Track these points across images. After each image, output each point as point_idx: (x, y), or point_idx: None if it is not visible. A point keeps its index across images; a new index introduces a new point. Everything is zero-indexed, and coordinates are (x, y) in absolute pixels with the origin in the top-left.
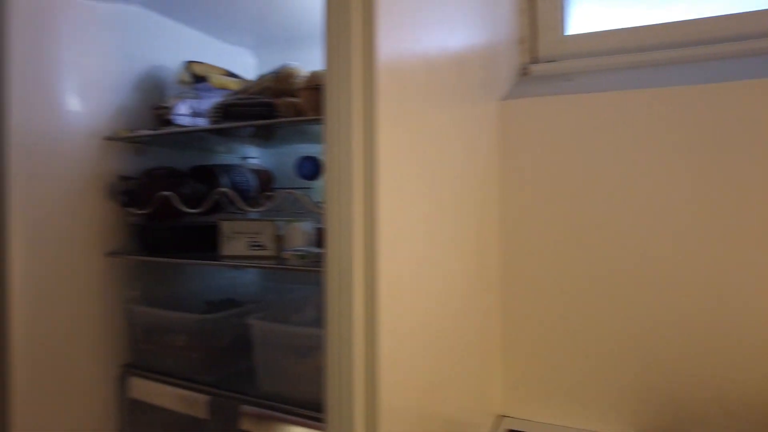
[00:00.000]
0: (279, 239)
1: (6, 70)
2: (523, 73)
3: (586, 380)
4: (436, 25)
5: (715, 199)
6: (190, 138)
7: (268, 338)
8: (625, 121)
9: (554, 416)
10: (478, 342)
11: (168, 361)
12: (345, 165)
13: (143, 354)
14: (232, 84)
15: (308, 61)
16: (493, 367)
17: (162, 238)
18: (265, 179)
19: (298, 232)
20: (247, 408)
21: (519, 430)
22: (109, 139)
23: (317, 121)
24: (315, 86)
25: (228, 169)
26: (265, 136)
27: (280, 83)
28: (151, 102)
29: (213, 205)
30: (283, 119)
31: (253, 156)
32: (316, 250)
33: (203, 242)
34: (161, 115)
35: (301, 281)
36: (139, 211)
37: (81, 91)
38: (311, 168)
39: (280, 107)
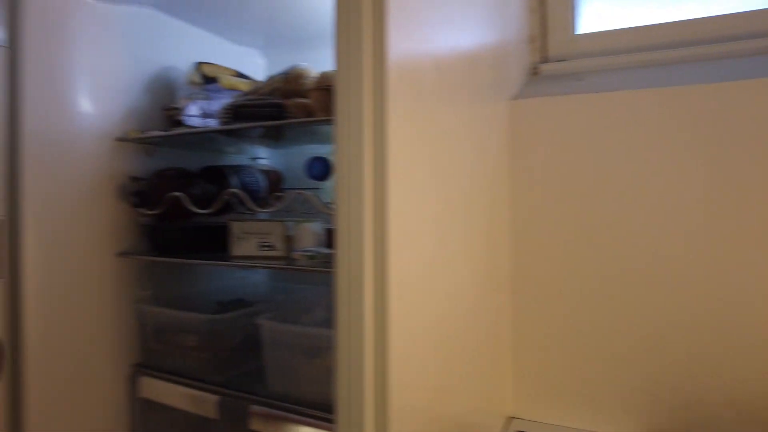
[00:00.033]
0: (289, 240)
1: (20, 73)
2: (534, 72)
3: (597, 382)
4: (446, 25)
5: (728, 199)
6: (201, 139)
7: (277, 338)
8: (636, 120)
9: (564, 418)
10: (489, 343)
11: (178, 360)
12: (355, 165)
13: (154, 354)
14: (242, 85)
15: (318, 61)
16: (504, 368)
17: (172, 239)
18: (275, 180)
19: (308, 233)
20: (256, 408)
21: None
22: (121, 140)
23: (327, 122)
24: (325, 87)
25: (238, 169)
26: (274, 137)
27: (289, 84)
28: (162, 103)
29: (223, 205)
30: (293, 120)
31: (263, 156)
32: (325, 250)
33: (213, 243)
34: (172, 116)
35: (311, 282)
36: (150, 212)
37: (93, 92)
38: (321, 168)
39: (289, 108)
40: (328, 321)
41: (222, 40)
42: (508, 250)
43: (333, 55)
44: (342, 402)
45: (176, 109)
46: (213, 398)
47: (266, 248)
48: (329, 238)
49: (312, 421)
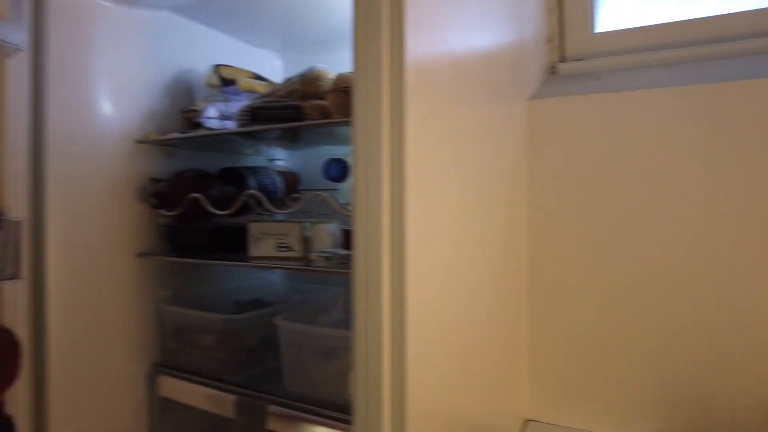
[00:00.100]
0: (306, 241)
1: (44, 77)
2: (552, 72)
3: (615, 385)
4: (464, 25)
5: (751, 200)
6: (219, 140)
7: (294, 339)
8: (655, 120)
9: (581, 421)
10: (506, 345)
11: (196, 360)
12: (373, 166)
13: (173, 353)
14: (260, 87)
15: (335, 63)
16: (520, 371)
17: (191, 240)
18: (292, 181)
19: (325, 234)
20: (273, 408)
21: None
22: (140, 142)
23: (344, 123)
24: (342, 88)
25: (255, 171)
26: (292, 139)
27: (307, 86)
28: (181, 105)
29: (241, 206)
30: (311, 122)
31: (280, 158)
32: (342, 251)
33: (231, 243)
34: (191, 118)
35: (328, 282)
36: (169, 213)
37: (114, 95)
38: (338, 170)
39: (307, 110)
40: (345, 322)
41: (240, 43)
42: (525, 252)
43: (351, 57)
44: (359, 403)
45: (195, 111)
46: (231, 398)
47: (283, 249)
48: (346, 240)
49: (329, 421)
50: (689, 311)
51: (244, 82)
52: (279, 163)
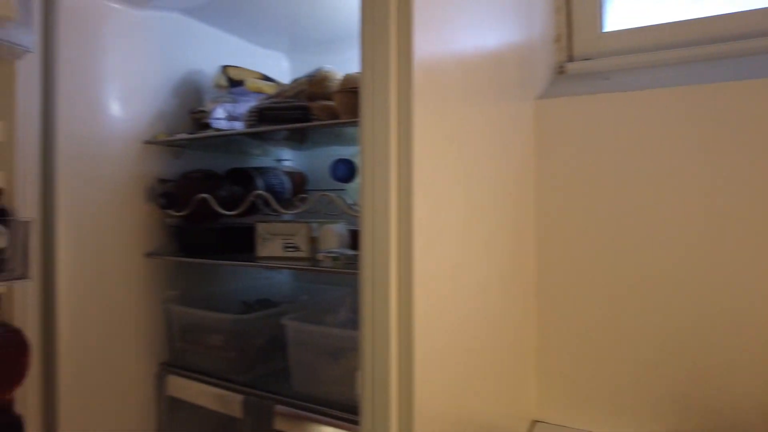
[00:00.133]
0: (313, 241)
1: (54, 78)
2: (559, 71)
3: (623, 386)
4: (471, 25)
5: (763, 201)
6: (227, 141)
7: (301, 339)
8: (664, 119)
9: (589, 423)
10: (513, 346)
11: (204, 360)
12: (380, 167)
13: (180, 353)
14: (267, 87)
15: (342, 63)
16: (528, 372)
17: (199, 240)
18: (299, 181)
19: (332, 234)
20: (281, 408)
21: None
22: (149, 143)
23: (352, 124)
24: (349, 89)
25: (263, 171)
26: (299, 139)
27: (314, 86)
28: (189, 106)
29: (249, 207)
30: (318, 122)
31: (287, 158)
32: (349, 252)
33: (239, 244)
34: (199, 119)
35: (335, 283)
36: (178, 213)
37: (123, 96)
38: (345, 170)
39: (314, 110)
40: (353, 322)
41: (247, 44)
42: (533, 253)
43: (358, 57)
44: (366, 403)
45: (203, 112)
46: (238, 397)
47: (291, 249)
48: (353, 240)
49: (336, 422)
50: (696, 312)
51: (252, 83)
52: (286, 163)
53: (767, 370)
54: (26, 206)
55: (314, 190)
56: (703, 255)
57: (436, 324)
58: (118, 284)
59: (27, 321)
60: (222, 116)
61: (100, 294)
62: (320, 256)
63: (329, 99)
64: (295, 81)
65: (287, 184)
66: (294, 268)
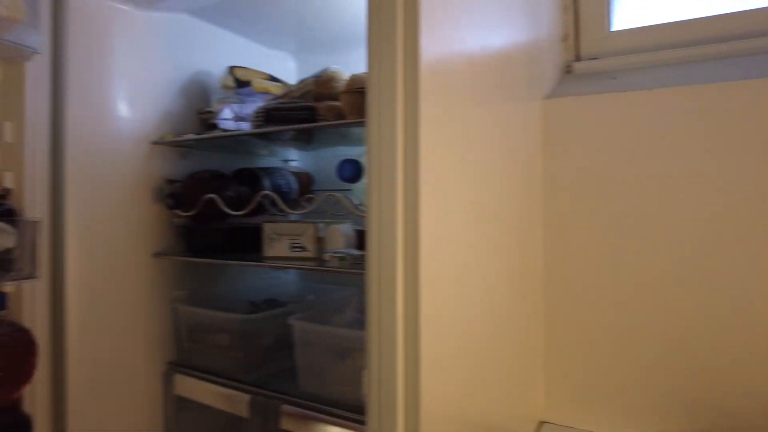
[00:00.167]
0: (319, 241)
1: (63, 79)
2: (567, 71)
3: (630, 387)
4: (478, 25)
5: None
6: (234, 142)
7: (308, 339)
8: (672, 119)
9: (596, 424)
10: (520, 347)
11: (211, 359)
12: (386, 167)
13: (188, 352)
14: (274, 88)
15: (348, 64)
16: (535, 373)
17: (206, 240)
18: (306, 182)
19: (338, 234)
20: (287, 408)
21: None
22: (157, 143)
23: (358, 124)
24: (356, 89)
25: (270, 171)
26: (306, 139)
27: (321, 87)
28: (196, 107)
29: (256, 207)
30: (325, 123)
31: (294, 159)
32: (356, 252)
33: (246, 244)
34: (206, 120)
35: (341, 283)
36: (185, 213)
37: (130, 97)
38: (352, 170)
39: (321, 111)
40: (359, 322)
41: (254, 44)
42: (540, 253)
43: (364, 58)
44: (372, 403)
45: (210, 112)
46: (245, 397)
47: (297, 249)
48: (360, 240)
49: (343, 422)
50: (704, 313)
51: (259, 84)
52: (293, 163)
53: None
54: (35, 206)
55: (321, 191)
56: (709, 255)
57: (443, 324)
58: (126, 284)
59: (36, 320)
60: (229, 117)
61: (108, 293)
62: (327, 256)
63: (336, 99)
64: (302, 81)
65: (294, 184)
66: (301, 268)
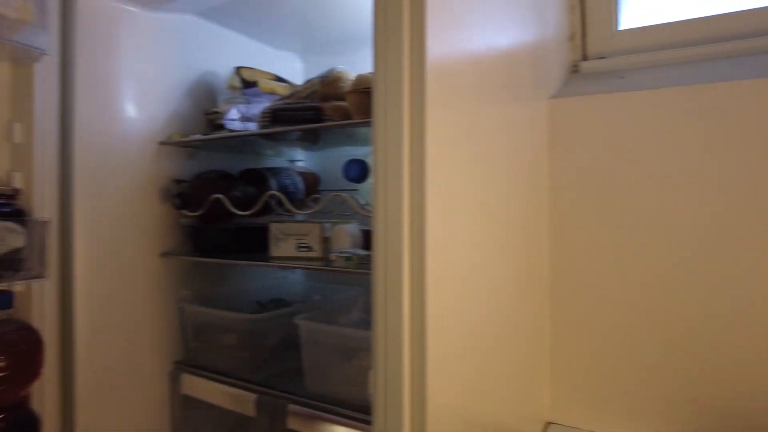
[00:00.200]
0: (326, 241)
1: (72, 80)
2: (574, 70)
3: (637, 388)
4: (484, 25)
5: None
6: (240, 142)
7: (314, 338)
8: (680, 119)
9: (603, 425)
10: (526, 347)
11: (218, 359)
12: (393, 167)
13: (195, 352)
14: (281, 88)
15: (354, 64)
16: (542, 373)
17: (213, 240)
18: (312, 182)
19: (345, 234)
20: (294, 407)
21: None
22: (164, 143)
23: (364, 124)
24: (362, 89)
25: (276, 172)
26: (312, 140)
27: (327, 87)
28: (203, 107)
29: (262, 207)
30: (331, 123)
31: (300, 159)
32: (362, 252)
33: (253, 244)
34: (213, 120)
35: (348, 283)
36: (192, 213)
37: (138, 98)
38: (358, 170)
39: (327, 111)
40: (365, 322)
41: (260, 45)
42: (547, 253)
43: (370, 58)
44: (379, 403)
45: (217, 113)
46: (251, 396)
47: (304, 249)
48: (366, 240)
49: (349, 421)
50: (710, 313)
51: (265, 84)
52: (299, 164)
53: None
54: (44, 206)
55: (327, 191)
56: (716, 256)
57: (449, 324)
58: (134, 283)
59: (44, 319)
60: (236, 117)
61: (116, 293)
62: (333, 256)
63: (342, 99)
64: (308, 82)
65: (300, 184)
66: (307, 268)
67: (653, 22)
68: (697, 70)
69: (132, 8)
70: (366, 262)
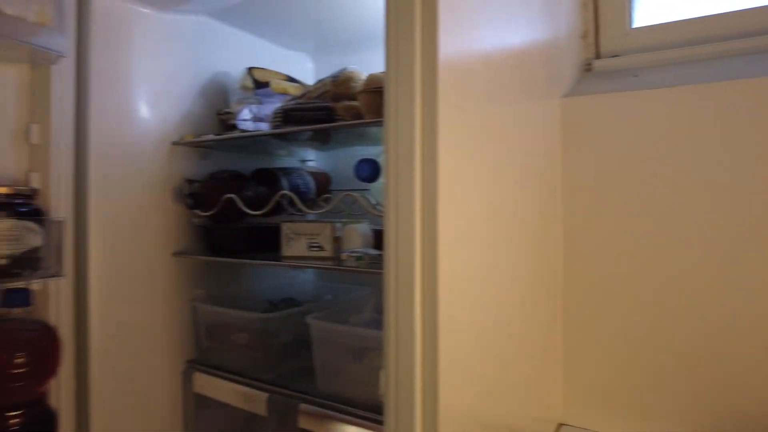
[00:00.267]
0: (337, 240)
1: (86, 82)
2: (587, 68)
3: (650, 390)
4: (496, 23)
5: None
6: (252, 142)
7: (326, 338)
8: (695, 117)
9: (616, 426)
10: (539, 348)
11: (230, 358)
12: (404, 166)
13: (207, 351)
14: (292, 88)
15: (366, 64)
16: (554, 375)
17: (226, 239)
18: (323, 181)
19: (356, 234)
20: (305, 406)
21: None
22: (177, 144)
23: (376, 124)
24: (373, 89)
25: (288, 171)
26: (323, 140)
27: (338, 87)
28: (216, 108)
29: (274, 207)
30: (342, 123)
31: (312, 159)
32: (373, 251)
33: (265, 243)
34: (225, 121)
35: (359, 282)
36: (204, 213)
37: (151, 99)
38: (369, 170)
39: (339, 111)
40: (377, 322)
41: (272, 45)
42: (560, 253)
43: (382, 57)
44: (390, 403)
45: (229, 113)
46: (263, 396)
47: (315, 249)
48: (377, 240)
49: (360, 421)
50: (726, 314)
51: (277, 84)
52: (311, 163)
53: None
54: (60, 206)
55: (338, 190)
56: (733, 257)
57: (461, 325)
58: (147, 283)
59: (60, 317)
60: (248, 117)
61: (129, 292)
62: (344, 255)
63: (353, 99)
64: (320, 82)
65: (311, 184)
66: (318, 268)
67: (667, 20)
68: (712, 68)
69: (145, 10)
70: (377, 262)
